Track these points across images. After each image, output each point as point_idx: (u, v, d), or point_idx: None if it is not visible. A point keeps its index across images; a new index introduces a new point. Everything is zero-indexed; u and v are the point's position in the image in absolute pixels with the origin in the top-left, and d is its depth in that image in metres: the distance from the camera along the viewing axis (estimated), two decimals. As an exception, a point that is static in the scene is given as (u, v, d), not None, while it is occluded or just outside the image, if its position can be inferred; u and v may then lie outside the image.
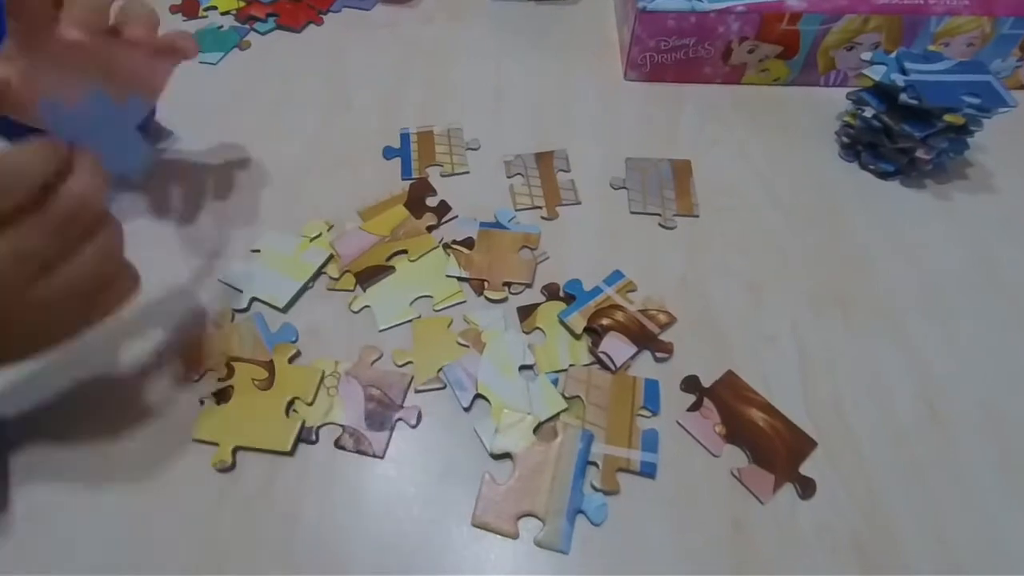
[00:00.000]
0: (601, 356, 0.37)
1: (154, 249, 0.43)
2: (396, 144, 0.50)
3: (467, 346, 0.38)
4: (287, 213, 0.46)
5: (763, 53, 0.53)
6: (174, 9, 0.64)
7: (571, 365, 0.37)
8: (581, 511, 0.31)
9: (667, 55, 0.54)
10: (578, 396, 0.36)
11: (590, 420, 0.35)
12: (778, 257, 0.43)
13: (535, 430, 0.34)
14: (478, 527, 0.31)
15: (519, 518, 0.31)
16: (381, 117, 0.53)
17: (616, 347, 0.37)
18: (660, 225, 0.45)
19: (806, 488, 0.32)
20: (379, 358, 0.37)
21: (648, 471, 0.33)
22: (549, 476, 0.32)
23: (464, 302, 0.40)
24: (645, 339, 0.38)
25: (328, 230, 0.44)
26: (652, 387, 0.36)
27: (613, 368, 0.36)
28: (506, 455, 0.33)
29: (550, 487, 0.32)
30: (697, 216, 0.45)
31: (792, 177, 0.49)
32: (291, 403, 0.35)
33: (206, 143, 0.51)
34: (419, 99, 0.55)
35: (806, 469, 0.33)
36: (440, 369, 0.37)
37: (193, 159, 0.50)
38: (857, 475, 0.33)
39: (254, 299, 0.40)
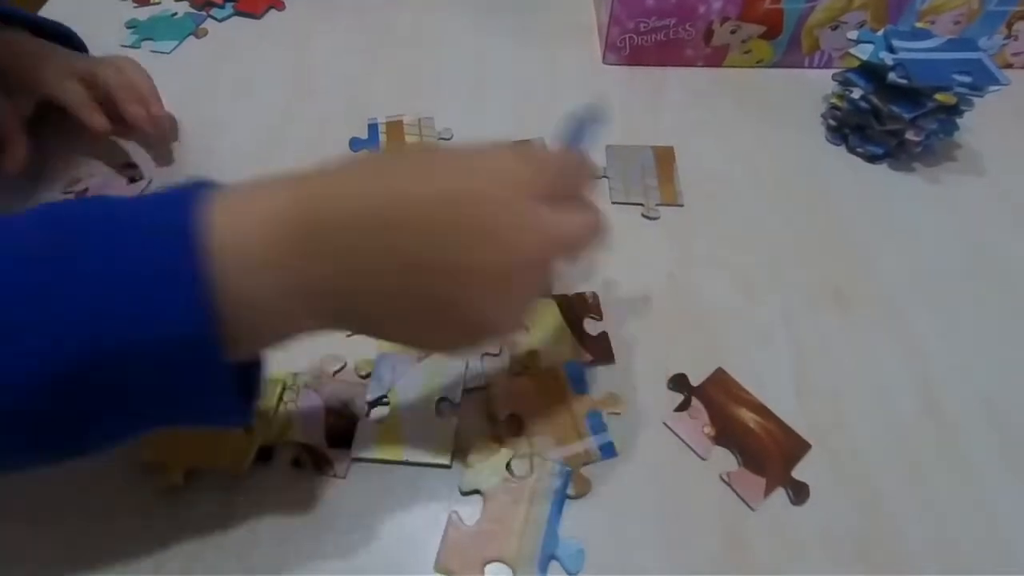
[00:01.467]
0: None
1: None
2: (363, 135, 0.47)
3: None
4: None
5: (746, 33, 0.51)
6: (125, -5, 0.60)
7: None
8: (555, 558, 0.29)
9: (647, 36, 0.51)
10: (512, 415, 0.33)
11: (533, 432, 0.32)
12: (767, 246, 0.41)
13: (508, 465, 0.31)
14: (440, 573, 0.28)
15: (486, 564, 0.28)
16: (347, 107, 0.50)
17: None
18: (643, 216, 0.42)
19: (799, 493, 0.30)
20: (342, 368, 0.35)
21: (607, 453, 0.32)
22: (521, 518, 0.29)
23: (436, 302, 0.38)
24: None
25: (290, 228, 0.41)
26: (574, 369, 0.34)
27: None
28: (476, 492, 0.30)
29: (522, 530, 0.29)
30: (681, 205, 0.43)
31: (779, 162, 0.47)
32: (249, 417, 0.32)
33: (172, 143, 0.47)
34: (389, 88, 0.52)
35: (801, 472, 0.31)
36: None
37: (146, 153, 0.46)
38: (856, 475, 0.32)
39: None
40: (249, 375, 0.25)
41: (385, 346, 0.35)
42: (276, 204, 0.22)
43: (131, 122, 0.43)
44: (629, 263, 0.40)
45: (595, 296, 0.38)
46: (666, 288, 0.39)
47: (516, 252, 0.23)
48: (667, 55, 0.52)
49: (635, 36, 0.51)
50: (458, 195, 0.22)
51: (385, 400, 0.33)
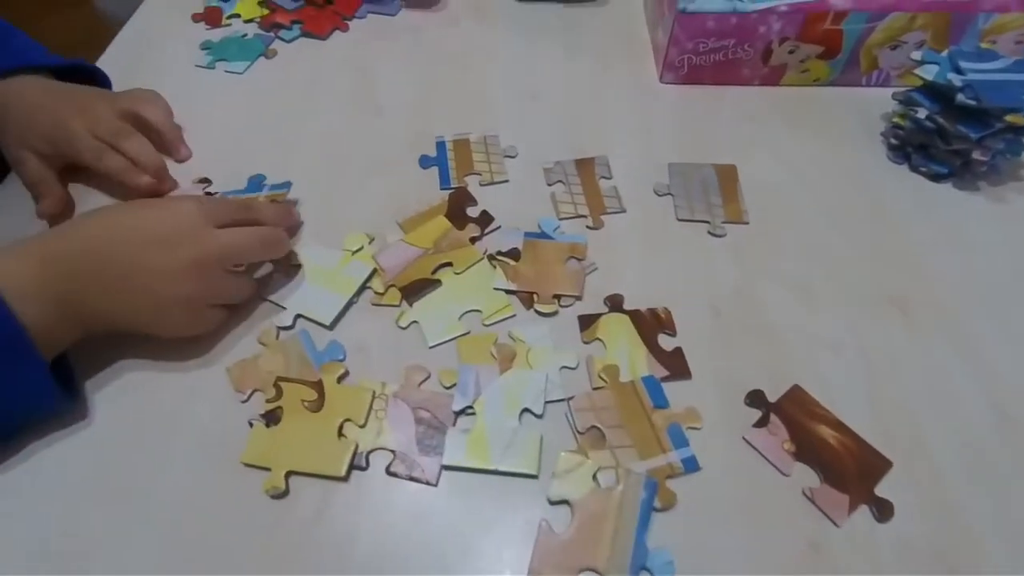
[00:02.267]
0: None
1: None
2: (432, 152, 0.49)
3: (494, 358, 0.37)
4: (325, 225, 0.45)
5: (804, 53, 0.52)
6: (197, 18, 0.63)
7: (592, 386, 0.35)
8: (646, 568, 0.29)
9: (705, 57, 0.52)
10: (594, 427, 0.34)
11: (615, 444, 0.33)
12: (831, 263, 0.42)
13: (595, 476, 0.32)
14: (534, 579, 0.29)
15: (579, 572, 0.29)
16: (413, 124, 0.52)
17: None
18: (709, 233, 0.43)
19: (883, 510, 0.31)
20: (427, 379, 0.36)
21: (691, 467, 0.32)
22: (611, 528, 0.30)
23: (514, 316, 0.39)
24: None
25: (369, 242, 0.43)
26: (651, 384, 0.35)
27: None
28: (564, 502, 0.32)
29: (612, 540, 0.30)
30: (747, 223, 0.44)
31: (840, 180, 0.47)
32: (341, 425, 0.34)
33: (236, 154, 0.50)
34: (450, 105, 0.54)
35: (882, 488, 0.32)
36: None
37: (227, 169, 0.49)
38: (933, 489, 0.32)
39: (299, 316, 0.39)
40: (62, 368, 0.35)
41: (466, 358, 0.37)
42: (28, 257, 0.33)
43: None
44: (698, 279, 0.41)
45: (667, 312, 0.39)
46: (735, 304, 0.40)
47: (183, 254, 0.34)
48: (724, 74, 0.53)
49: (693, 56, 0.52)
50: (146, 220, 0.35)
51: (471, 410, 0.35)
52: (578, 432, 0.34)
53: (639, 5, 0.63)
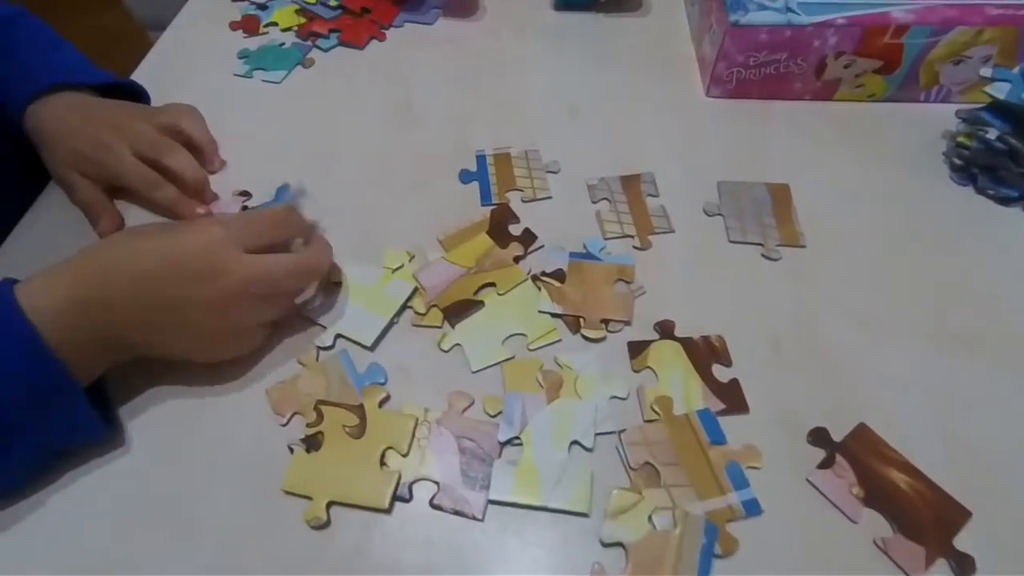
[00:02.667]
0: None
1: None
2: (472, 166, 0.48)
3: (541, 386, 0.35)
4: (363, 240, 0.43)
5: (860, 68, 0.49)
6: (234, 26, 0.63)
7: (651, 417, 0.34)
8: None
9: (755, 70, 0.50)
10: (647, 463, 0.32)
11: (670, 483, 0.32)
12: (894, 290, 0.40)
13: (650, 517, 0.30)
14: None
15: None
16: (452, 137, 0.51)
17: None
18: (763, 256, 0.41)
19: (964, 566, 0.29)
20: (470, 405, 0.35)
21: (752, 510, 0.31)
22: (669, 575, 0.29)
23: (559, 341, 0.37)
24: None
25: (409, 260, 0.41)
26: (707, 418, 0.34)
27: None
28: (618, 544, 0.30)
29: None
30: (803, 247, 0.42)
31: (900, 202, 0.45)
32: (384, 453, 0.33)
33: (273, 164, 0.49)
34: (490, 117, 0.53)
35: (961, 540, 0.30)
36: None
37: (263, 180, 0.48)
38: (1018, 543, 0.30)
39: (339, 336, 0.38)
40: (100, 395, 0.35)
41: (511, 385, 0.36)
42: (62, 285, 0.32)
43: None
44: (753, 306, 0.39)
45: (721, 340, 0.37)
46: (794, 333, 0.38)
47: (219, 286, 0.33)
48: (774, 88, 0.51)
49: (742, 70, 0.51)
50: (180, 251, 0.33)
51: (517, 440, 0.33)
52: (631, 468, 0.32)
53: (680, 16, 0.61)
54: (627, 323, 0.38)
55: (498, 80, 0.56)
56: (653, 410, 0.34)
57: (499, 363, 0.36)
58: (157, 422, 0.35)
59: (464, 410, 0.35)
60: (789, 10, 0.47)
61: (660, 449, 0.33)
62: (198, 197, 0.45)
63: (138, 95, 0.50)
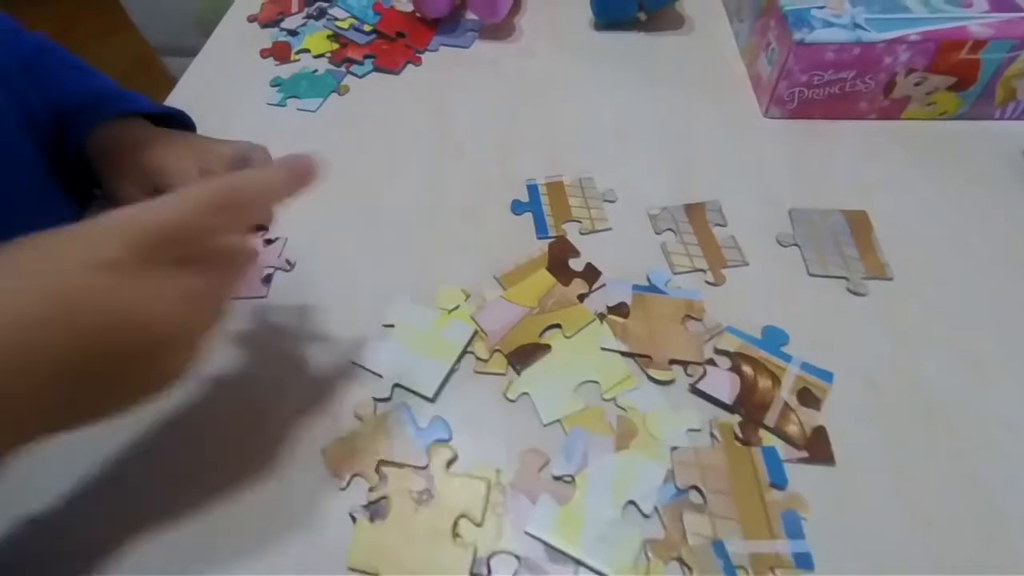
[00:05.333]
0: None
1: (272, 326, 0.39)
2: (523, 196, 0.46)
3: (611, 430, 0.32)
4: (415, 278, 0.41)
5: (932, 85, 0.47)
6: (265, 53, 0.61)
7: (673, 448, 0.31)
8: None
9: (819, 90, 0.48)
10: (694, 487, 0.30)
11: (716, 512, 0.29)
12: (994, 323, 0.36)
13: None
14: None
15: None
16: (499, 165, 0.49)
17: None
18: (849, 291, 0.38)
19: None
20: (546, 464, 0.32)
21: (803, 564, 0.27)
22: None
23: (636, 388, 0.35)
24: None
25: (465, 299, 0.39)
26: (772, 457, 0.31)
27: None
28: None
29: None
30: (891, 279, 0.39)
31: (988, 226, 0.42)
32: (456, 522, 0.30)
33: (312, 197, 0.47)
34: (536, 143, 0.50)
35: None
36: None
37: (303, 216, 0.46)
38: None
39: (397, 386, 0.35)
40: None
41: (579, 420, 0.33)
42: None
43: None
44: (842, 345, 0.36)
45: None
46: (887, 375, 0.35)
47: (147, 339, 0.23)
48: (838, 108, 0.49)
49: (805, 89, 0.48)
50: (64, 296, 0.21)
51: (569, 478, 0.30)
52: (676, 487, 0.30)
53: (725, 33, 0.59)
54: (700, 365, 0.35)
55: (541, 104, 0.54)
56: (713, 435, 0.31)
57: (572, 415, 0.33)
58: (200, 491, 0.32)
59: (540, 469, 0.32)
60: (857, 26, 0.45)
61: (713, 475, 0.30)
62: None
63: (186, 126, 0.49)
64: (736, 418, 0.32)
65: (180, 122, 0.48)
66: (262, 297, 0.41)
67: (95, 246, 0.22)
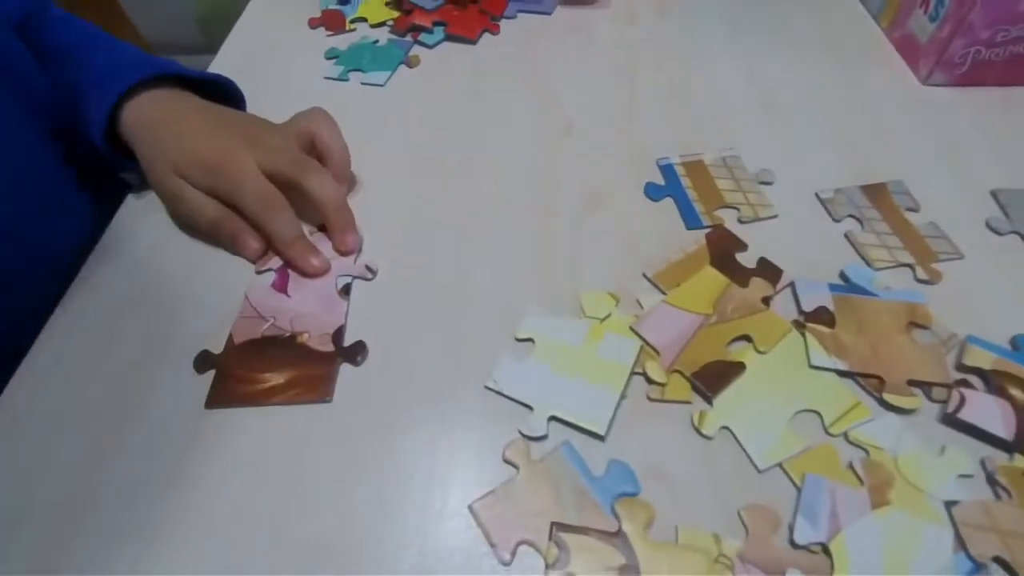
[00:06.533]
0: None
1: (388, 338, 0.31)
2: (658, 179, 0.38)
3: (860, 481, 0.25)
4: (544, 281, 0.33)
5: None
6: (314, 23, 0.53)
7: (950, 503, 0.23)
8: None
9: (999, 49, 0.40)
10: (999, 558, 0.22)
11: None
12: None
13: None
14: None
15: None
16: (620, 144, 0.40)
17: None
18: (1103, 287, 0.31)
19: None
20: (779, 527, 0.24)
21: None
22: None
23: (871, 419, 0.27)
24: None
25: (616, 305, 0.31)
26: None
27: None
28: None
29: None
30: None
31: None
32: (675, 610, 0.22)
33: (397, 186, 0.39)
34: (658, 118, 0.42)
35: None
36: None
37: (386, 209, 0.38)
38: None
39: (553, 419, 0.27)
40: None
41: (811, 466, 0.24)
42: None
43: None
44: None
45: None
46: None
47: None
48: (1018, 72, 0.41)
49: (983, 49, 0.40)
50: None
51: (817, 547, 0.23)
52: (972, 560, 0.22)
53: (852, -9, 0.51)
54: (949, 387, 0.27)
55: (655, 75, 0.46)
56: (998, 483, 0.24)
57: (794, 456, 0.26)
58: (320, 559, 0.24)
59: (774, 533, 0.24)
60: (1060, -31, 0.38)
61: (1020, 544, 0.22)
62: (336, 230, 0.34)
63: (235, 99, 0.40)
64: (1020, 460, 0.24)
65: (226, 92, 0.40)
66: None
67: None
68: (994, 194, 0.35)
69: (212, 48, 0.51)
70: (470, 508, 0.25)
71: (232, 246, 0.34)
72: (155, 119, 0.35)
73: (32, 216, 0.35)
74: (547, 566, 0.23)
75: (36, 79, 0.37)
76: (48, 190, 0.37)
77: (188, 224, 0.36)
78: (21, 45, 0.36)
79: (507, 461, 0.26)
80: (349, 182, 0.38)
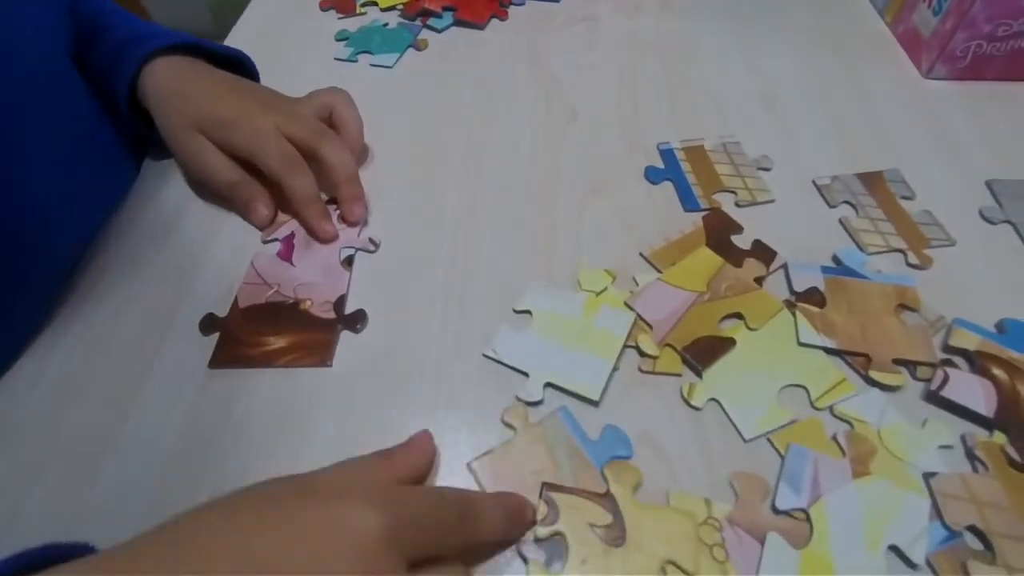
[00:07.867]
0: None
1: (389, 308, 0.32)
2: (658, 163, 0.39)
3: (843, 452, 0.25)
4: (545, 258, 0.34)
5: None
6: (325, 5, 0.54)
7: (929, 474, 0.24)
8: None
9: (1000, 43, 0.41)
10: (974, 527, 0.23)
11: (1012, 564, 0.22)
12: None
13: None
14: None
15: None
16: (623, 130, 0.41)
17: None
18: (1091, 277, 0.32)
19: None
20: (768, 495, 0.25)
21: None
22: None
23: (855, 395, 0.27)
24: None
25: (612, 282, 0.32)
26: None
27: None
28: None
29: None
30: None
31: None
32: (663, 569, 0.22)
33: (402, 164, 0.40)
34: (661, 107, 0.43)
35: None
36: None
37: (391, 186, 0.38)
38: None
39: (549, 386, 0.28)
40: None
41: (795, 437, 0.26)
42: None
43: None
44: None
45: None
46: None
47: None
48: (1018, 66, 0.42)
49: (984, 43, 0.41)
50: (303, 555, 0.18)
51: (800, 513, 0.24)
52: (947, 528, 0.23)
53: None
54: (933, 366, 0.28)
55: (659, 64, 0.47)
56: (976, 457, 0.24)
57: (781, 428, 0.27)
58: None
59: (764, 500, 0.25)
60: (1062, -35, 0.38)
61: (994, 513, 0.23)
62: (346, 200, 0.35)
63: (250, 75, 0.41)
64: (999, 436, 0.25)
65: (242, 68, 0.41)
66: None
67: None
68: (989, 184, 0.36)
69: (223, 33, 0.52)
70: (468, 466, 0.25)
71: (244, 211, 0.35)
72: (176, 82, 0.35)
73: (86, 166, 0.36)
74: (539, 522, 0.24)
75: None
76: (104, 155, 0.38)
77: (202, 183, 0.37)
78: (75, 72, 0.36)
79: (505, 423, 0.27)
80: (361, 156, 0.39)
